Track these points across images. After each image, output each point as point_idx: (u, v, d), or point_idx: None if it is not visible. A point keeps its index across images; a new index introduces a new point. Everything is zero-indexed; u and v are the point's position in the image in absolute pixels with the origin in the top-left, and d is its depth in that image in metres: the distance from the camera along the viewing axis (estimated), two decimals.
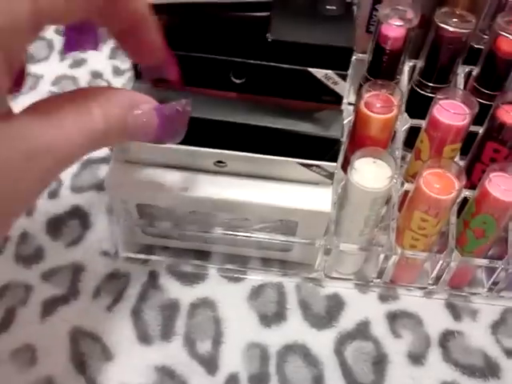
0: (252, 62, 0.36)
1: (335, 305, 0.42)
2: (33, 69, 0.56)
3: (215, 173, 0.38)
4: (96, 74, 0.56)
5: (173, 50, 0.35)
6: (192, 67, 0.36)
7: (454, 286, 0.43)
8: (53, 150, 0.23)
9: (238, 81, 0.36)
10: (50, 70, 0.56)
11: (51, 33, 0.59)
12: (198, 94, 0.37)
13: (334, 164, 0.36)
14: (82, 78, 0.55)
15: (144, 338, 0.39)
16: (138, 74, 0.38)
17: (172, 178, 0.37)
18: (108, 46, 0.58)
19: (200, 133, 0.37)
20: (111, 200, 0.39)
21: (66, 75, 0.56)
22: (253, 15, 0.35)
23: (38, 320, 0.40)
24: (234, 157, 0.36)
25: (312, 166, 0.36)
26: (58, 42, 0.58)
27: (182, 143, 0.36)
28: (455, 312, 0.42)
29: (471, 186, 0.41)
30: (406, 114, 0.42)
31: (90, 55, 0.57)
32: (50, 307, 0.40)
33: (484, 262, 0.40)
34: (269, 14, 0.35)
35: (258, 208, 0.38)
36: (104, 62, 0.57)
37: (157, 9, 0.34)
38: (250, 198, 0.37)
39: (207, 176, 0.38)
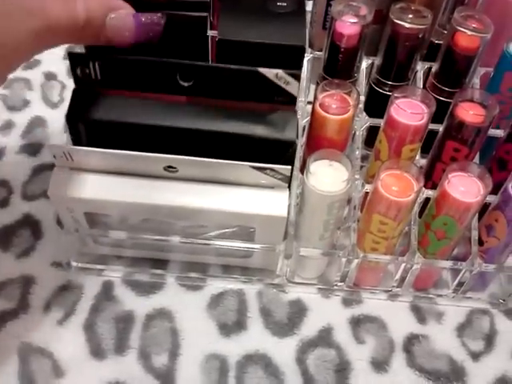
0: (199, 63, 0.35)
1: (298, 311, 0.41)
2: None
3: (166, 179, 0.36)
4: (50, 76, 0.54)
5: (116, 55, 0.34)
6: (138, 71, 0.35)
7: (419, 288, 0.42)
8: (47, 11, 0.29)
9: (185, 83, 0.35)
10: None
11: None
12: (146, 99, 0.35)
13: (289, 167, 0.35)
14: (35, 79, 0.53)
15: (97, 352, 0.38)
16: (77, 79, 0.36)
17: (120, 184, 0.36)
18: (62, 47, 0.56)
19: (150, 139, 0.35)
20: (58, 209, 0.37)
21: (17, 78, 0.53)
22: (191, 15, 0.34)
23: None
24: (185, 161, 0.35)
25: (266, 169, 0.35)
26: None
27: (130, 148, 0.35)
28: (420, 315, 0.41)
29: (433, 185, 0.40)
30: (364, 113, 0.41)
31: (44, 56, 0.55)
32: None
33: (447, 263, 0.39)
34: (207, 14, 0.34)
35: (212, 214, 0.36)
36: (58, 63, 0.55)
37: None
38: (204, 204, 0.36)
39: (158, 182, 0.36)
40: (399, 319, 0.41)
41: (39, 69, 0.54)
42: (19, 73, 0.53)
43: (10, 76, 0.52)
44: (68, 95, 0.51)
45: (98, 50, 0.34)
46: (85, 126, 0.35)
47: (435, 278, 0.43)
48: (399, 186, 0.35)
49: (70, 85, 0.52)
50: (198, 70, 0.34)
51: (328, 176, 0.35)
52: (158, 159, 0.35)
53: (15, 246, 0.42)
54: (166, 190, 0.36)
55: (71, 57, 0.34)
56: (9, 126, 0.49)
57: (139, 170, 0.36)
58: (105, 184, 0.36)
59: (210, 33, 0.39)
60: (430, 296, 0.42)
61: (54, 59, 0.55)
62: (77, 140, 0.36)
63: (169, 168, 0.35)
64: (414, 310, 0.42)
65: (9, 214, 0.44)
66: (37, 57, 0.53)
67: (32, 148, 0.48)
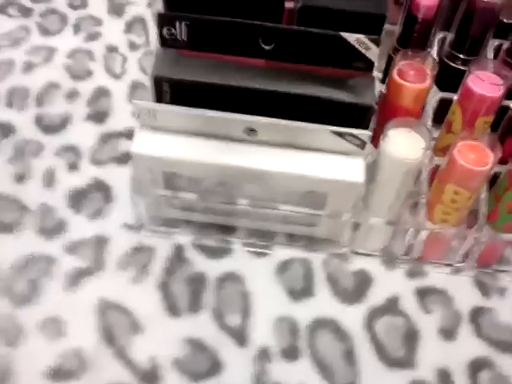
0: (281, 27, 0.35)
1: (363, 281, 0.41)
2: (47, 42, 0.54)
3: (245, 142, 0.37)
4: (111, 48, 0.55)
5: (200, 13, 0.35)
6: (222, 33, 0.35)
7: (482, 264, 0.43)
8: None
9: (267, 47, 0.35)
10: (64, 42, 0.55)
11: (64, 6, 0.58)
12: (227, 62, 0.36)
13: (368, 132, 0.35)
14: (98, 51, 0.54)
15: (172, 310, 0.39)
16: (163, 40, 0.36)
17: (200, 145, 0.37)
18: (123, 19, 0.57)
19: (230, 101, 0.36)
20: (137, 169, 0.38)
21: (80, 48, 0.54)
22: None
23: (64, 292, 0.39)
24: (265, 124, 0.35)
25: (345, 134, 0.35)
26: (72, 15, 0.57)
27: (211, 110, 0.35)
28: (484, 289, 0.42)
29: (501, 161, 0.40)
30: (435, 87, 0.42)
31: (105, 29, 0.56)
32: (74, 279, 0.39)
33: None
34: None
35: (289, 178, 0.37)
36: (119, 36, 0.56)
37: None
38: (280, 167, 0.37)
39: (237, 145, 0.37)
40: (463, 292, 0.41)
41: (101, 41, 0.55)
42: (81, 43, 0.55)
43: (73, 46, 0.54)
44: (130, 68, 0.53)
45: (184, 10, 0.35)
46: (170, 86, 0.36)
47: (499, 253, 0.43)
48: (476, 155, 0.35)
49: (132, 57, 0.54)
50: (280, 33, 0.35)
51: (405, 143, 0.36)
52: (238, 120, 0.36)
53: (87, 207, 0.43)
54: (244, 153, 0.37)
55: (160, 16, 0.35)
56: (74, 94, 0.50)
57: (219, 132, 0.37)
58: (185, 144, 0.36)
59: (287, 4, 0.40)
60: (493, 271, 0.43)
61: (115, 32, 0.56)
62: (161, 100, 0.37)
63: (249, 131, 0.36)
64: (478, 284, 0.42)
65: (79, 177, 0.45)
66: (98, 29, 0.56)
67: (98, 116, 0.49)
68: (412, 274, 0.42)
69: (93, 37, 0.55)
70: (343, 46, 0.35)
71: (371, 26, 0.36)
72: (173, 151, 0.36)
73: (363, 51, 0.35)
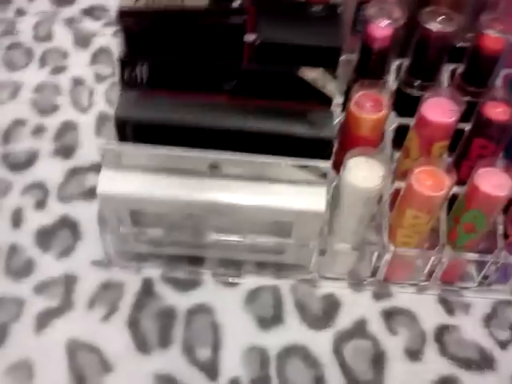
0: (241, 65, 0.36)
1: (331, 305, 0.42)
2: (13, 77, 0.55)
3: (209, 176, 0.37)
4: (78, 81, 0.55)
5: (163, 55, 0.35)
6: (183, 73, 0.36)
7: (446, 281, 0.44)
8: None
9: (228, 85, 0.36)
10: (30, 77, 0.55)
11: (30, 39, 0.58)
12: (189, 100, 0.37)
13: (328, 163, 0.36)
14: (64, 84, 0.54)
15: (142, 347, 0.39)
16: (124, 82, 0.37)
17: (165, 182, 0.37)
18: (89, 51, 0.58)
19: (193, 138, 0.37)
20: (103, 208, 0.38)
21: (47, 82, 0.54)
22: (228, 22, 0.35)
23: (33, 334, 0.39)
24: (228, 159, 0.36)
25: (306, 166, 0.36)
26: (37, 48, 0.57)
27: (174, 148, 0.36)
28: (448, 306, 0.43)
29: (459, 182, 0.41)
30: (393, 113, 0.43)
31: (72, 61, 0.56)
32: (44, 320, 0.40)
33: (474, 256, 0.41)
34: (244, 19, 0.36)
35: (253, 210, 0.38)
36: (86, 68, 0.56)
37: (130, 14, 0.34)
38: (245, 200, 0.37)
39: (201, 180, 0.37)
40: (428, 311, 0.42)
41: (67, 74, 0.55)
42: (48, 77, 0.55)
43: (39, 81, 0.54)
44: (97, 100, 0.53)
45: (145, 52, 0.35)
46: (132, 126, 0.36)
47: (461, 271, 0.44)
48: (432, 181, 0.37)
49: (99, 89, 0.54)
50: (240, 71, 0.36)
51: (364, 172, 0.37)
52: (202, 157, 0.36)
53: (55, 246, 0.43)
54: (208, 187, 0.37)
55: (121, 60, 0.35)
56: (41, 129, 0.51)
57: (183, 169, 0.37)
58: (150, 182, 0.37)
59: (247, 37, 0.41)
60: (457, 289, 0.44)
61: (81, 64, 0.56)
62: (122, 140, 0.37)
63: (212, 167, 0.37)
64: (442, 302, 0.43)
65: (46, 215, 0.45)
66: (63, 63, 0.56)
67: (64, 151, 0.49)
68: (378, 295, 0.43)
69: (59, 70, 0.56)
70: (301, 82, 0.36)
71: (328, 58, 0.38)
72: (138, 190, 0.37)
73: (321, 86, 0.36)
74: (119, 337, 0.39)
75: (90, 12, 0.62)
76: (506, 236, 0.41)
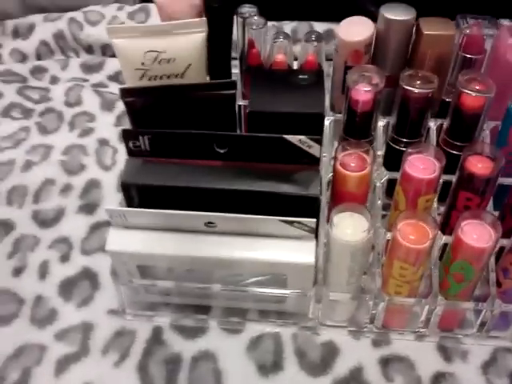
0: (232, 133, 0.40)
1: (330, 352, 0.44)
2: (45, 140, 0.61)
3: (206, 233, 0.41)
4: (103, 142, 0.60)
5: (163, 126, 0.40)
6: (181, 142, 0.40)
7: (445, 328, 0.45)
8: None
9: (221, 150, 0.40)
10: (60, 140, 0.61)
11: (61, 104, 0.64)
12: (186, 165, 0.41)
13: (314, 220, 0.39)
14: (90, 146, 0.60)
15: None
16: (130, 151, 0.41)
17: (167, 240, 0.41)
18: (114, 114, 0.63)
19: (192, 199, 0.40)
20: (114, 263, 0.42)
21: (75, 144, 0.60)
22: (220, 93, 0.39)
23: (53, 378, 0.43)
24: (223, 218, 0.40)
25: (294, 222, 0.39)
26: (68, 113, 0.63)
27: (175, 208, 0.40)
28: (446, 354, 0.44)
29: (451, 232, 0.43)
30: (383, 167, 0.45)
31: (98, 123, 0.62)
32: (63, 365, 0.43)
33: (468, 305, 0.42)
34: (235, 91, 0.39)
35: (248, 264, 0.41)
36: (110, 130, 0.62)
37: (133, 92, 0.38)
38: (240, 255, 0.40)
39: (199, 236, 0.41)
40: (426, 358, 0.44)
41: (93, 136, 0.61)
42: (76, 140, 0.60)
43: (68, 143, 0.60)
44: (120, 158, 0.58)
45: (146, 126, 0.40)
46: (136, 190, 0.41)
47: (459, 318, 0.45)
48: (416, 234, 0.39)
49: (122, 148, 0.59)
50: (232, 138, 0.40)
51: (349, 227, 0.39)
52: (199, 216, 0.40)
53: (76, 296, 0.47)
54: (206, 243, 0.41)
55: (124, 132, 0.40)
56: (68, 188, 0.56)
57: (183, 227, 0.41)
58: (154, 240, 0.41)
59: (242, 102, 0.45)
60: (455, 336, 0.45)
61: (106, 126, 0.62)
62: (130, 202, 0.41)
63: (209, 224, 0.40)
64: (441, 349, 0.44)
65: (69, 267, 0.50)
66: (90, 124, 0.62)
67: (89, 208, 0.54)
68: (377, 342, 0.45)
69: (86, 132, 0.61)
70: (288, 146, 0.39)
71: (312, 123, 0.41)
72: (142, 247, 0.41)
73: (306, 149, 0.40)
74: (129, 381, 0.42)
75: (115, 77, 0.68)
76: (498, 284, 0.42)
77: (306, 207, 0.40)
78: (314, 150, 0.40)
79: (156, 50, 0.41)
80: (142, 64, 0.41)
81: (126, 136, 0.40)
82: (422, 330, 0.45)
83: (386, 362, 0.43)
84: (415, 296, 0.42)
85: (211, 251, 0.41)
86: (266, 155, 0.40)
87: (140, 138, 0.40)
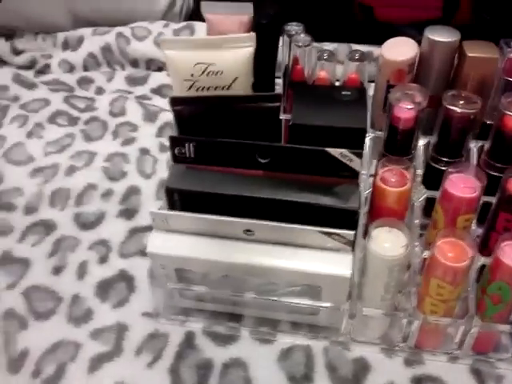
0: (275, 144, 0.41)
1: (361, 368, 0.44)
2: (89, 147, 0.63)
3: (244, 240, 0.42)
4: (144, 151, 0.62)
5: (209, 135, 0.41)
6: (225, 151, 0.41)
7: (479, 351, 0.44)
8: None
9: (263, 161, 0.41)
10: (103, 147, 0.63)
11: (105, 114, 0.66)
12: (228, 173, 0.42)
13: (352, 232, 0.39)
14: (132, 154, 0.62)
15: None
16: (175, 158, 0.43)
17: (206, 245, 0.42)
18: (156, 125, 0.65)
19: (232, 206, 0.41)
20: (153, 265, 0.43)
21: (117, 152, 0.62)
22: (265, 105, 0.40)
23: (86, 375, 0.44)
24: (262, 226, 0.40)
25: (332, 234, 0.40)
26: (112, 122, 0.65)
27: (215, 214, 0.41)
28: (480, 378, 0.43)
29: (489, 253, 0.43)
30: (422, 186, 0.46)
31: (140, 133, 0.64)
32: (96, 363, 0.44)
33: (504, 327, 0.41)
34: (279, 104, 0.40)
35: (283, 273, 0.41)
36: (151, 140, 0.63)
37: (182, 100, 0.40)
38: (276, 263, 0.41)
39: (238, 243, 0.42)
40: (459, 381, 0.43)
41: (135, 145, 0.63)
42: (118, 148, 0.62)
43: (111, 150, 0.62)
44: (160, 168, 0.60)
45: (192, 134, 0.41)
46: (180, 195, 0.42)
47: (494, 341, 0.45)
48: (455, 252, 0.39)
49: (161, 158, 0.61)
50: (274, 149, 0.41)
51: (388, 241, 0.39)
52: (239, 223, 0.41)
53: (112, 297, 0.49)
54: (244, 250, 0.41)
55: (172, 139, 0.41)
56: (109, 193, 0.57)
57: (222, 233, 0.42)
58: (193, 244, 0.42)
59: (283, 116, 0.46)
60: (490, 360, 0.44)
61: (149, 136, 0.64)
62: (172, 207, 0.42)
63: (247, 231, 0.41)
64: (474, 372, 0.43)
65: (107, 269, 0.51)
66: (133, 134, 0.64)
67: (128, 213, 0.55)
68: (409, 362, 0.44)
69: (129, 141, 0.63)
70: (329, 159, 0.40)
71: (354, 138, 0.42)
72: (182, 250, 0.42)
73: (347, 163, 0.40)
74: (161, 383, 0.43)
75: (158, 91, 0.70)
76: None
77: (344, 220, 0.40)
78: (355, 163, 0.40)
79: (205, 62, 0.42)
80: (191, 75, 0.43)
81: (173, 142, 0.41)
82: (455, 352, 0.44)
83: (418, 382, 0.43)
84: (451, 316, 0.42)
85: (248, 258, 0.41)
86: (306, 167, 0.41)
87: (186, 145, 0.41)
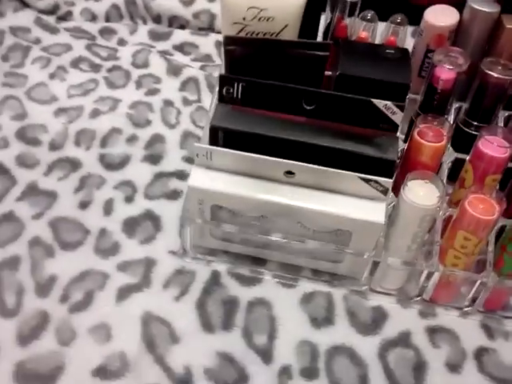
0: (322, 91, 0.42)
1: (379, 316, 0.46)
2: (113, 93, 0.63)
3: (284, 183, 0.43)
4: (168, 102, 0.63)
5: (256, 77, 0.42)
6: (271, 94, 0.42)
7: (489, 309, 0.47)
8: None
9: (308, 107, 0.42)
10: (127, 95, 0.63)
11: (128, 64, 0.67)
12: (272, 117, 0.43)
13: (391, 180, 0.41)
14: (156, 104, 0.62)
15: (207, 326, 0.44)
16: (221, 97, 0.44)
17: (246, 184, 0.43)
18: (179, 79, 0.66)
19: (274, 149, 0.42)
20: (190, 200, 0.44)
21: (141, 101, 0.62)
22: (315, 53, 0.42)
23: (114, 303, 0.44)
24: (303, 168, 0.42)
25: (371, 180, 0.41)
26: (135, 73, 0.66)
27: (257, 154, 0.42)
28: (489, 332, 0.46)
29: (509, 216, 0.45)
30: (451, 148, 0.48)
31: (163, 86, 0.64)
32: (124, 293, 0.45)
33: None
34: (328, 53, 0.42)
35: (318, 216, 0.43)
36: (175, 93, 0.64)
37: (235, 40, 0.41)
38: (312, 206, 0.42)
39: (276, 184, 0.43)
40: (470, 333, 0.45)
41: (159, 96, 0.63)
42: (142, 97, 0.63)
43: (135, 99, 0.62)
44: (183, 120, 0.61)
45: (241, 73, 0.42)
46: (223, 134, 0.43)
47: (504, 300, 0.47)
48: (484, 207, 0.41)
49: (185, 111, 0.62)
50: (321, 96, 0.42)
51: (422, 192, 0.41)
52: (280, 163, 0.42)
53: (138, 234, 0.49)
54: (282, 191, 0.43)
55: (221, 78, 0.42)
56: (134, 139, 0.58)
57: (263, 173, 0.43)
58: (234, 182, 0.43)
59: (326, 72, 0.47)
60: (499, 317, 0.47)
61: (172, 89, 0.64)
62: (214, 145, 0.43)
63: (287, 173, 0.43)
64: (484, 327, 0.46)
65: (133, 208, 0.51)
66: (157, 86, 0.64)
67: (153, 158, 0.56)
68: (424, 313, 0.46)
69: (152, 92, 0.64)
70: (373, 110, 0.42)
71: (397, 93, 0.43)
72: (222, 186, 0.43)
73: (390, 115, 0.42)
74: (188, 315, 0.44)
75: (180, 48, 0.71)
76: None
77: (381, 170, 0.42)
78: (397, 117, 0.42)
79: (259, 7, 0.43)
80: (244, 19, 0.44)
81: (223, 81, 0.42)
82: (466, 309, 0.47)
83: (432, 331, 0.45)
84: (469, 271, 0.44)
85: (286, 199, 0.43)
86: (349, 117, 0.43)
87: (235, 84, 0.42)
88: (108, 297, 0.45)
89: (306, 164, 0.41)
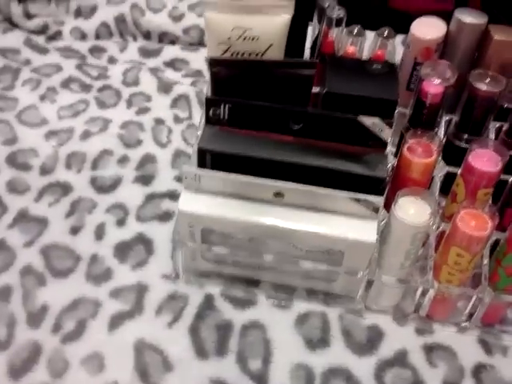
0: (309, 110, 0.42)
1: (375, 335, 0.45)
2: (103, 114, 0.63)
3: (273, 204, 0.42)
4: (159, 121, 0.62)
5: (243, 98, 0.41)
6: (258, 114, 0.42)
7: (486, 324, 0.46)
8: None
9: (296, 126, 0.42)
10: (118, 115, 0.63)
11: (119, 83, 0.66)
12: (259, 137, 0.42)
13: (381, 199, 0.41)
14: (147, 123, 0.62)
15: (200, 352, 0.43)
16: (208, 119, 0.43)
17: (235, 206, 0.42)
18: (170, 97, 0.65)
19: (262, 170, 0.42)
20: (180, 223, 0.44)
21: (132, 120, 0.62)
22: (301, 73, 0.41)
23: (107, 331, 0.44)
24: (292, 189, 0.41)
25: (361, 200, 0.41)
26: (125, 91, 0.65)
27: (245, 176, 0.41)
28: (487, 347, 0.45)
29: (502, 229, 0.45)
30: (442, 162, 0.47)
31: (154, 104, 0.64)
32: (117, 320, 0.45)
33: None
34: (314, 72, 0.41)
35: (309, 237, 0.42)
36: (166, 111, 0.64)
37: (220, 62, 0.40)
38: (303, 227, 0.42)
39: (266, 206, 0.42)
40: (467, 350, 0.45)
41: (150, 114, 0.63)
42: (133, 117, 0.62)
43: (126, 118, 0.62)
44: (175, 138, 0.60)
45: (227, 95, 0.42)
46: (210, 156, 0.42)
47: (502, 314, 0.47)
48: (476, 222, 0.40)
49: (176, 129, 0.61)
50: (308, 115, 0.42)
51: (414, 209, 0.41)
52: (268, 185, 0.42)
53: (131, 258, 0.49)
54: (272, 213, 0.42)
55: (208, 100, 0.42)
56: (125, 159, 0.58)
57: (252, 195, 0.42)
58: (223, 205, 0.42)
59: (314, 89, 0.46)
60: (497, 332, 0.46)
61: (162, 107, 0.64)
62: (202, 167, 0.43)
63: (277, 195, 0.42)
64: (481, 342, 0.45)
65: (125, 231, 0.51)
66: (147, 104, 0.64)
67: (144, 179, 0.56)
68: (420, 331, 0.46)
69: (143, 111, 0.63)
70: (361, 128, 0.41)
71: (384, 109, 0.43)
72: (211, 210, 0.42)
73: (378, 132, 0.42)
74: (181, 342, 0.44)
75: (171, 64, 0.70)
76: None
77: (371, 188, 0.42)
78: (385, 133, 0.42)
79: (243, 26, 0.43)
80: (229, 39, 0.43)
81: (209, 103, 0.42)
82: (463, 324, 0.46)
83: (429, 349, 0.44)
84: (465, 286, 0.44)
85: (276, 220, 0.42)
86: (336, 135, 0.42)
87: (222, 106, 0.42)
88: (100, 325, 0.44)
89: (294, 185, 0.41)
